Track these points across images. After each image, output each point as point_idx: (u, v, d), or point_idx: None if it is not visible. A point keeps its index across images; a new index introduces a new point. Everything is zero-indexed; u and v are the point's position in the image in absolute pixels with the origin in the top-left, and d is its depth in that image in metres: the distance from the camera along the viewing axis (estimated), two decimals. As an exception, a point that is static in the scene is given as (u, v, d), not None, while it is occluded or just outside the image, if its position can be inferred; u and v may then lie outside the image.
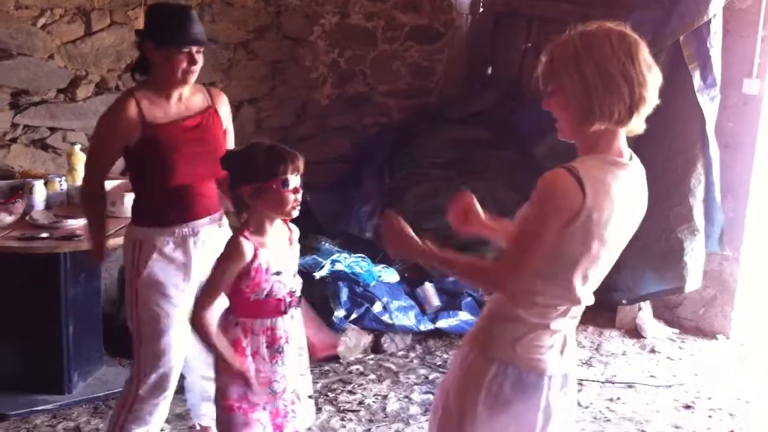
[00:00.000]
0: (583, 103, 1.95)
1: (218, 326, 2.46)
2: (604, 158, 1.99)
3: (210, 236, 2.86)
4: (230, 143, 2.99)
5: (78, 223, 3.53)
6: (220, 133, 2.91)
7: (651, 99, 1.97)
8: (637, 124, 2.00)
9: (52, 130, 4.47)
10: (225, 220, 2.98)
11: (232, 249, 2.41)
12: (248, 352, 2.47)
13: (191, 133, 2.81)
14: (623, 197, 1.99)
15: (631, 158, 2.05)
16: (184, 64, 2.70)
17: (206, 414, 3.10)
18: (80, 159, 3.97)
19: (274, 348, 2.50)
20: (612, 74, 1.93)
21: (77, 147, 4.05)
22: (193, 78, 2.77)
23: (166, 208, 2.79)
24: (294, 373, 2.62)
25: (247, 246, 2.40)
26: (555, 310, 2.05)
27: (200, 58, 2.74)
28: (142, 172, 2.83)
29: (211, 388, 2.97)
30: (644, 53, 1.98)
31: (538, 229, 1.96)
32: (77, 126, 4.49)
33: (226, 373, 2.46)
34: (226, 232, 2.87)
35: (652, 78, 1.97)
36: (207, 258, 2.80)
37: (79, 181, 3.93)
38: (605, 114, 1.95)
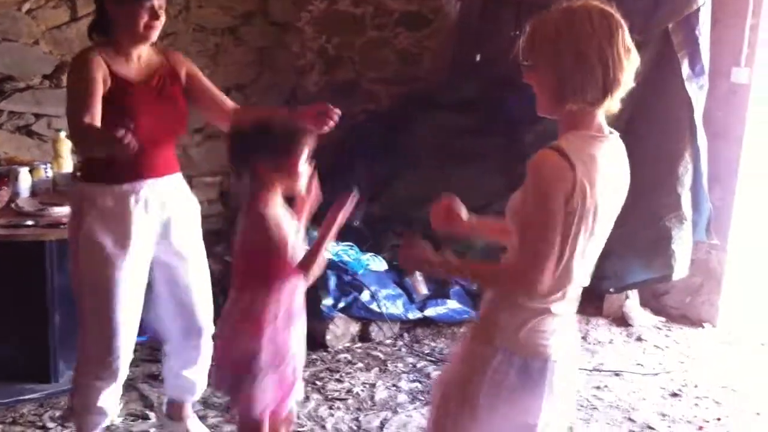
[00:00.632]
0: (557, 83, 1.96)
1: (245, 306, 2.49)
2: (585, 134, 1.98)
3: (156, 196, 2.80)
4: (218, 94, 2.93)
5: (64, 211, 3.50)
6: (180, 94, 2.85)
7: (626, 82, 1.97)
8: (612, 105, 2.00)
9: (38, 116, 4.44)
10: (182, 183, 2.95)
11: (271, 220, 2.42)
12: (271, 317, 2.48)
13: (154, 92, 2.76)
14: (609, 169, 1.99)
15: (611, 132, 2.05)
16: (146, 18, 2.64)
17: (179, 392, 3.15)
18: (66, 146, 3.94)
19: (293, 312, 2.54)
20: (588, 56, 1.92)
21: (63, 134, 4.00)
22: (155, 34, 2.70)
23: (113, 165, 2.66)
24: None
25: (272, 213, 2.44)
26: (556, 293, 2.03)
27: (162, 14, 2.68)
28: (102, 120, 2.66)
29: (188, 380, 3.09)
30: (624, 35, 1.96)
31: (543, 216, 1.92)
32: (63, 112, 4.41)
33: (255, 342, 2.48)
34: (182, 194, 2.91)
35: (629, 62, 1.96)
36: (151, 219, 2.79)
37: (65, 169, 3.90)
38: (578, 95, 1.94)
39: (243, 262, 2.53)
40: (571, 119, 1.99)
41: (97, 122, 2.60)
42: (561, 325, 2.09)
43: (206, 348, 3.05)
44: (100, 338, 2.81)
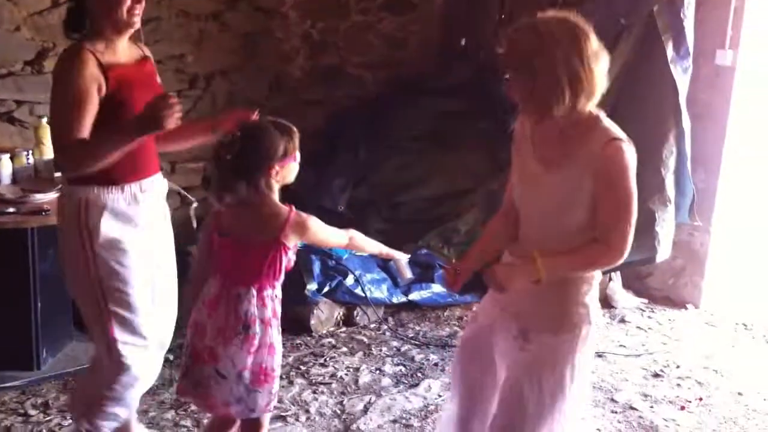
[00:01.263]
0: (538, 99, 2.14)
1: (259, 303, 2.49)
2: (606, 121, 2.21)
3: (153, 192, 2.80)
4: None
5: (45, 198, 3.50)
6: (160, 86, 2.84)
7: (600, 86, 2.15)
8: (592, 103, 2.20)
9: (19, 103, 4.40)
10: (164, 179, 2.92)
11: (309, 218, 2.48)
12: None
13: (146, 84, 2.71)
14: None
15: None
16: (128, 2, 2.56)
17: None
18: (48, 132, 3.92)
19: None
20: (558, 73, 2.08)
21: (45, 120, 3.99)
22: (138, 20, 2.62)
23: (117, 164, 2.59)
24: None
25: None
26: None
27: None
28: (96, 126, 2.59)
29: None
30: (591, 43, 2.12)
31: (630, 197, 2.16)
32: (45, 99, 4.37)
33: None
34: (165, 187, 2.90)
35: (600, 68, 2.13)
36: (152, 218, 2.79)
37: (46, 155, 3.88)
38: (560, 107, 2.12)
39: (260, 258, 2.48)
40: (582, 117, 2.18)
41: (86, 135, 2.54)
42: None
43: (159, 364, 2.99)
44: (127, 324, 2.74)
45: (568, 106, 2.12)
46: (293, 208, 2.47)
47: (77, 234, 2.67)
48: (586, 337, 2.31)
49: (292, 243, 2.47)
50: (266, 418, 2.65)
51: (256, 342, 2.48)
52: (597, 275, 2.32)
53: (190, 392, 2.58)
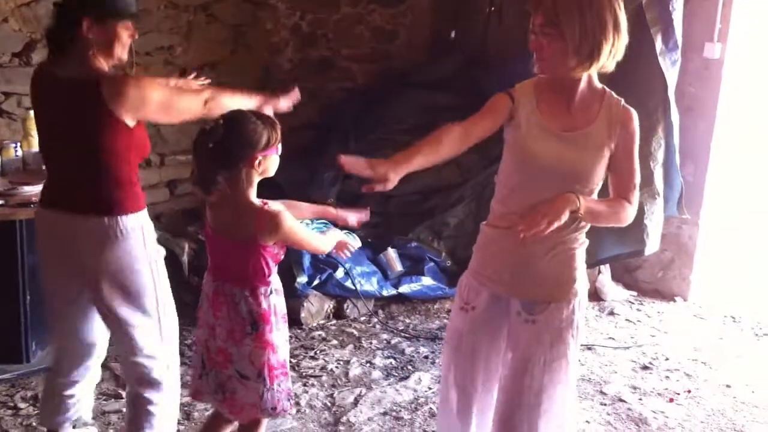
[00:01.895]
0: (580, 50, 2.16)
1: (258, 297, 2.48)
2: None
3: None
4: None
5: (34, 190, 3.48)
6: None
7: (623, 46, 2.22)
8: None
9: (7, 95, 4.37)
10: None
11: (282, 213, 2.44)
12: (280, 316, 2.55)
13: None
14: None
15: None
16: (125, 38, 2.54)
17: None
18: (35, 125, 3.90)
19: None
20: (607, 24, 2.14)
21: (32, 112, 3.97)
22: (126, 55, 2.61)
23: (139, 187, 2.69)
24: None
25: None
26: None
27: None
28: (128, 149, 2.59)
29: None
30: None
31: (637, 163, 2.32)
32: (33, 91, 4.40)
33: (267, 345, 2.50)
34: None
35: (626, 23, 2.20)
36: None
37: (34, 147, 3.86)
38: (597, 60, 2.17)
39: (243, 260, 2.46)
40: (590, 78, 2.26)
41: None
42: None
43: None
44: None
45: (602, 60, 2.17)
46: (266, 204, 2.43)
47: (146, 260, 2.68)
48: (584, 298, 2.41)
49: (270, 242, 2.44)
50: (265, 419, 2.65)
51: (267, 338, 2.47)
52: (586, 241, 2.38)
53: (210, 396, 2.58)
